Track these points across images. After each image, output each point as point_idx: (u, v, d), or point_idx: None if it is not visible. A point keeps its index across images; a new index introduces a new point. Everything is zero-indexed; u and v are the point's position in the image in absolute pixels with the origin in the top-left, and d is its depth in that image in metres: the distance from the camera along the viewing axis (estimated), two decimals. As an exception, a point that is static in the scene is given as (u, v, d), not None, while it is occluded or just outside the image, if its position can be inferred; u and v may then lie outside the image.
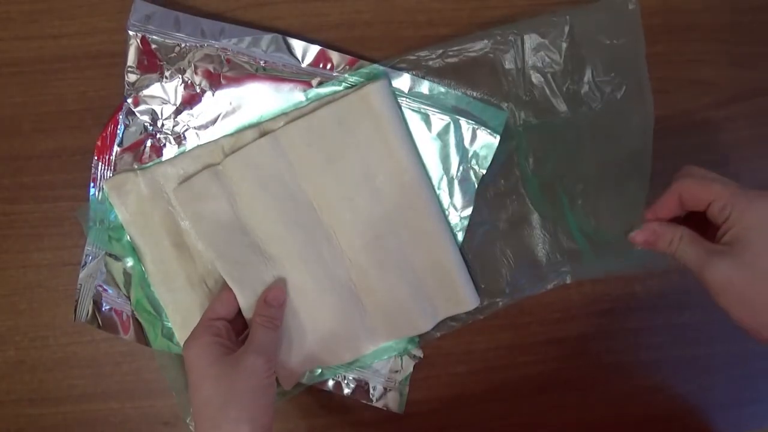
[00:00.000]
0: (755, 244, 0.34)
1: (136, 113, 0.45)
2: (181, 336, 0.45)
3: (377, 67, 0.44)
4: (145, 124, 0.45)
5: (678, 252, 0.37)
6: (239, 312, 0.43)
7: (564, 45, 0.44)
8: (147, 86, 0.44)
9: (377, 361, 0.46)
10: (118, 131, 0.45)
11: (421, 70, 0.45)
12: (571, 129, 0.45)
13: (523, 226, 0.46)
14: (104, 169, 0.45)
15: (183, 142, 0.45)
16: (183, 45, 0.44)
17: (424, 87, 0.45)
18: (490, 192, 0.46)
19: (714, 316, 0.47)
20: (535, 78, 0.45)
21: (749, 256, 0.34)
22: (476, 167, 0.45)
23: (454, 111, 0.45)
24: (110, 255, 0.45)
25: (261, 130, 0.44)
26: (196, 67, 0.44)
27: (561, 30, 0.44)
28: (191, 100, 0.45)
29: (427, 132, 0.45)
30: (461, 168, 0.45)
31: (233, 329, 0.42)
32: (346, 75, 0.45)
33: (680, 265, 0.37)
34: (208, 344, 0.39)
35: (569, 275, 0.46)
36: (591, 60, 0.44)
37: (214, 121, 0.45)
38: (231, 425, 0.37)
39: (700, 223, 0.37)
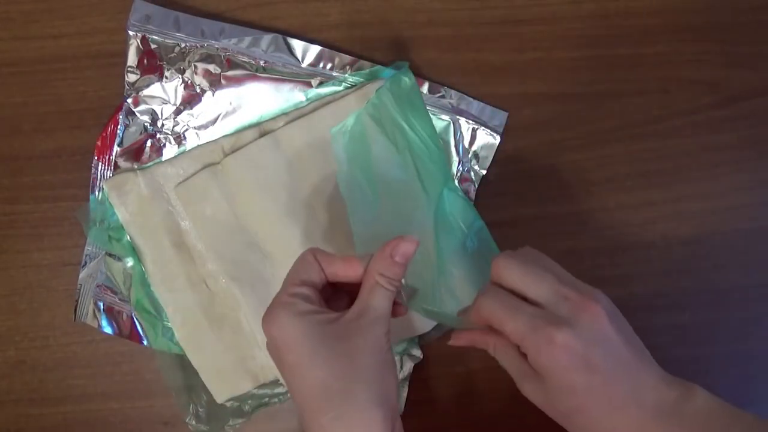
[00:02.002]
0: (553, 388, 0.34)
1: (136, 113, 0.45)
2: (181, 336, 0.44)
3: (377, 67, 0.44)
4: (145, 124, 0.45)
5: (497, 358, 0.37)
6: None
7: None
8: (147, 86, 0.44)
9: (377, 361, 0.46)
10: (118, 131, 0.45)
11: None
12: None
13: None
14: (104, 169, 0.45)
15: (183, 142, 0.45)
16: (183, 45, 0.44)
17: (424, 87, 0.45)
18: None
19: (715, 317, 0.47)
20: None
21: (550, 395, 0.34)
22: (476, 167, 0.45)
23: (454, 111, 0.45)
24: (110, 255, 0.45)
25: (261, 130, 0.44)
26: (196, 67, 0.44)
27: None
28: (191, 100, 0.45)
29: (427, 132, 0.45)
30: (461, 168, 0.45)
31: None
32: (346, 75, 0.45)
33: None
34: (303, 314, 0.32)
35: None
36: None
37: (214, 121, 0.45)
38: (359, 413, 0.31)
39: None
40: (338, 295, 0.37)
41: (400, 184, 0.43)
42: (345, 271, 0.35)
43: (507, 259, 0.36)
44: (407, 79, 0.43)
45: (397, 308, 0.36)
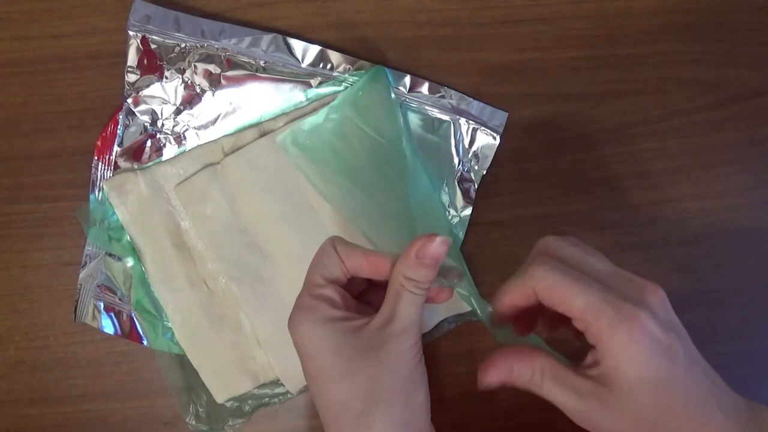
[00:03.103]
0: (626, 393, 0.27)
1: (136, 113, 0.45)
2: (181, 336, 0.44)
3: (377, 67, 0.44)
4: (145, 124, 0.45)
5: (543, 391, 0.30)
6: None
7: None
8: (147, 86, 0.44)
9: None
10: (118, 131, 0.45)
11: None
12: None
13: None
14: (104, 169, 0.45)
15: (183, 142, 0.45)
16: (183, 45, 0.44)
17: (424, 87, 0.45)
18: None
19: (715, 317, 0.47)
20: None
21: (621, 402, 0.28)
22: (476, 167, 0.45)
23: (454, 111, 0.45)
24: (110, 255, 0.45)
25: (261, 130, 0.44)
26: (196, 67, 0.44)
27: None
28: (191, 100, 0.45)
29: (427, 132, 0.45)
30: (461, 168, 0.45)
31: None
32: (346, 75, 0.45)
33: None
34: (326, 321, 0.29)
35: None
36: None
37: (214, 121, 0.45)
38: None
39: None
40: (374, 284, 0.33)
41: (384, 186, 0.42)
42: (368, 268, 0.31)
43: (557, 237, 0.31)
44: (379, 84, 0.42)
45: (441, 293, 0.32)
